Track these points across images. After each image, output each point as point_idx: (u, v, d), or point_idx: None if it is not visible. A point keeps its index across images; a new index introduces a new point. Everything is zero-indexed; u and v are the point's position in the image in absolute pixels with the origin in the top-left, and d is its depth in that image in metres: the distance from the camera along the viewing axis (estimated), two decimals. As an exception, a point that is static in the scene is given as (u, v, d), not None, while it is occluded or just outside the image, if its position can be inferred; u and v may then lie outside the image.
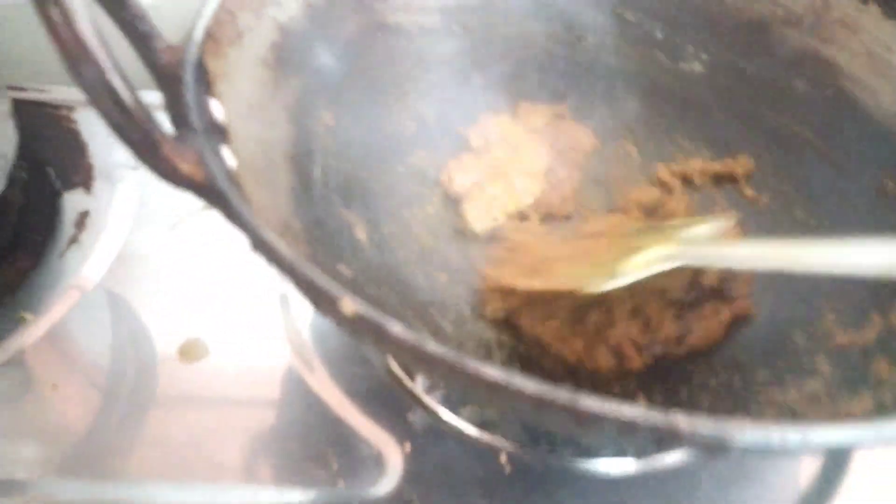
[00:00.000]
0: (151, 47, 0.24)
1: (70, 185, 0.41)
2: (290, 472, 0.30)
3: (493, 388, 0.16)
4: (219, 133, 0.24)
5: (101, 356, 0.36)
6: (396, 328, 0.17)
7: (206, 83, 0.25)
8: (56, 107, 0.45)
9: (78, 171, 0.42)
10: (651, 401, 0.26)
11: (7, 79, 0.42)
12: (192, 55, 0.25)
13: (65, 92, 0.45)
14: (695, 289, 0.29)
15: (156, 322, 0.36)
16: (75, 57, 0.16)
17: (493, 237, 0.33)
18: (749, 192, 0.36)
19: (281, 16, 0.33)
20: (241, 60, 0.29)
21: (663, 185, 0.37)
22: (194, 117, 0.22)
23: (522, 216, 0.34)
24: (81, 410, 0.34)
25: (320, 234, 0.28)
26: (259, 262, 0.19)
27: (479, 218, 0.33)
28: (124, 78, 0.18)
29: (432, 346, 0.17)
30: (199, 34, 0.26)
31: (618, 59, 0.41)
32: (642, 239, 0.28)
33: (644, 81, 0.41)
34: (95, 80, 0.17)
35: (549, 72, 0.41)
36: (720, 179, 0.37)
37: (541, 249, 0.31)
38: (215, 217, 0.20)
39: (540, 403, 0.16)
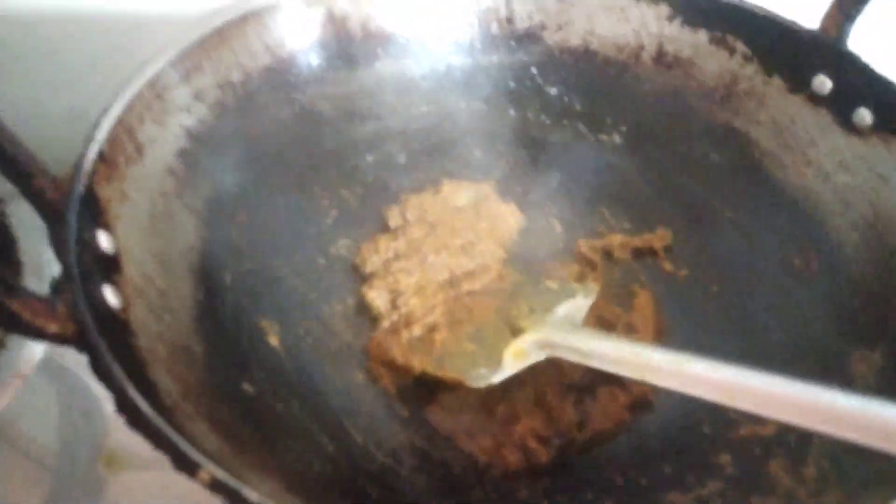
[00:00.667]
0: (36, 186, 0.24)
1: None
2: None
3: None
4: (104, 269, 0.24)
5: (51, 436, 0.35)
6: (253, 496, 0.17)
7: (95, 214, 0.25)
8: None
9: (8, 267, 0.42)
10: (556, 507, 0.26)
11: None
12: (79, 187, 0.25)
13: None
14: (590, 372, 0.29)
15: (86, 424, 0.36)
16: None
17: (392, 308, 0.33)
18: (668, 265, 0.37)
19: (188, 121, 0.33)
20: (143, 176, 0.29)
21: (585, 260, 0.37)
22: (72, 261, 0.22)
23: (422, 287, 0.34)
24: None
25: (224, 349, 0.28)
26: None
27: (381, 295, 0.33)
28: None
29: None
30: (88, 162, 0.26)
31: (540, 132, 0.42)
32: (520, 308, 0.30)
33: (566, 154, 0.41)
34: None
35: (472, 148, 0.41)
36: (640, 253, 0.38)
37: (426, 314, 0.31)
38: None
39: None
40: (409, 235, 0.37)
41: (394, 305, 0.33)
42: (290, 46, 0.38)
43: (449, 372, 0.29)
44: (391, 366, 0.31)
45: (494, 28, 0.42)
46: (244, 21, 0.35)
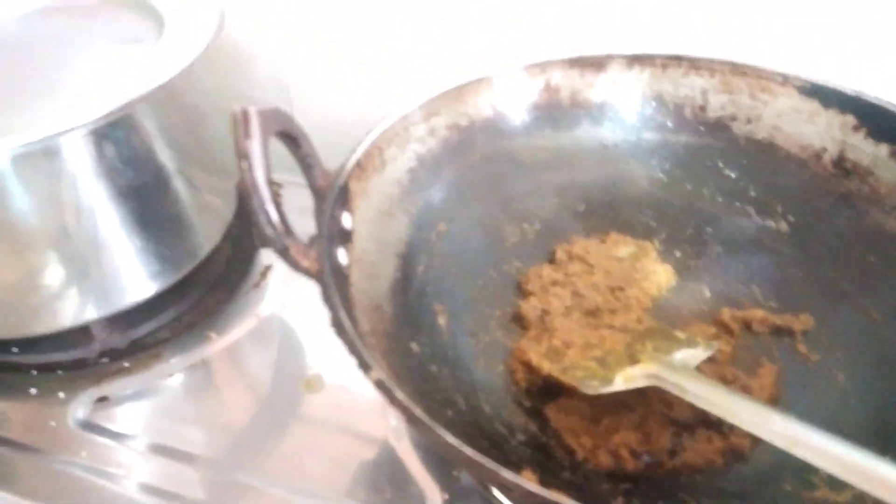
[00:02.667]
0: (312, 175, 0.35)
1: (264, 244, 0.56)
2: (359, 489, 0.39)
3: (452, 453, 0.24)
4: (342, 238, 0.35)
5: (261, 372, 0.48)
6: (399, 394, 0.26)
7: (345, 200, 0.37)
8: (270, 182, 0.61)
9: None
10: (627, 504, 0.31)
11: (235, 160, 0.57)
12: (339, 180, 0.36)
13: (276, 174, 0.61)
14: (696, 415, 0.34)
15: (298, 354, 0.48)
16: (248, 191, 0.28)
17: (540, 322, 0.40)
18: (802, 348, 0.39)
19: (421, 149, 0.44)
20: (381, 182, 0.40)
21: (722, 327, 0.41)
22: (324, 227, 0.33)
23: (569, 312, 0.41)
24: (241, 412, 0.45)
25: (406, 317, 0.37)
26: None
27: (534, 309, 0.41)
28: (276, 206, 0.29)
29: (419, 412, 0.25)
30: (349, 165, 0.38)
31: (711, 207, 0.46)
32: (645, 346, 0.35)
33: (731, 230, 0.45)
34: (258, 206, 0.28)
35: (644, 210, 0.47)
36: (778, 331, 0.41)
37: (566, 333, 0.38)
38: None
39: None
40: (570, 270, 0.44)
41: (542, 320, 0.41)
42: (509, 105, 0.47)
43: (569, 378, 0.35)
44: (527, 366, 0.38)
45: (688, 113, 0.48)
46: (479, 82, 0.46)
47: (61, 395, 0.44)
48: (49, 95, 0.42)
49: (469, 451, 0.23)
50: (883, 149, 0.41)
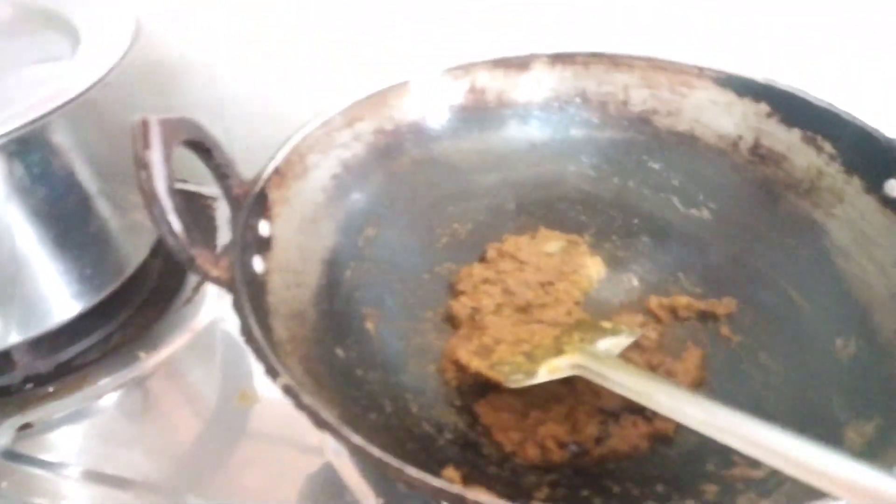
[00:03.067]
0: (227, 184, 0.35)
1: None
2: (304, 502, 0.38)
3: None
4: (259, 246, 0.34)
5: (202, 387, 0.47)
6: (306, 399, 0.25)
7: (263, 208, 0.36)
8: (204, 197, 0.60)
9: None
10: (553, 495, 0.31)
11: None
12: (256, 189, 0.36)
13: (212, 189, 0.60)
14: (622, 403, 0.34)
15: (231, 369, 0.47)
16: (149, 201, 0.27)
17: (471, 320, 0.40)
18: (725, 330, 0.40)
19: (345, 154, 0.43)
20: (304, 188, 0.40)
21: (650, 314, 0.42)
22: (237, 235, 0.32)
23: (500, 309, 0.41)
24: (178, 431, 0.44)
25: (331, 323, 0.37)
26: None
27: (464, 308, 0.41)
28: (178, 215, 0.28)
29: (326, 415, 0.25)
30: (266, 173, 0.37)
31: (637, 199, 0.47)
32: (572, 337, 0.36)
33: (658, 221, 0.46)
34: (159, 216, 0.28)
35: (574, 205, 0.48)
36: (704, 316, 0.41)
37: (497, 330, 0.38)
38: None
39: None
40: (500, 267, 0.44)
41: (473, 319, 0.41)
42: (434, 107, 0.47)
43: (495, 374, 0.35)
44: (457, 365, 0.38)
45: (611, 109, 0.48)
46: (403, 86, 0.46)
47: (-15, 423, 0.43)
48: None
49: (375, 451, 0.23)
50: (795, 133, 0.42)
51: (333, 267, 0.40)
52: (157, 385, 0.47)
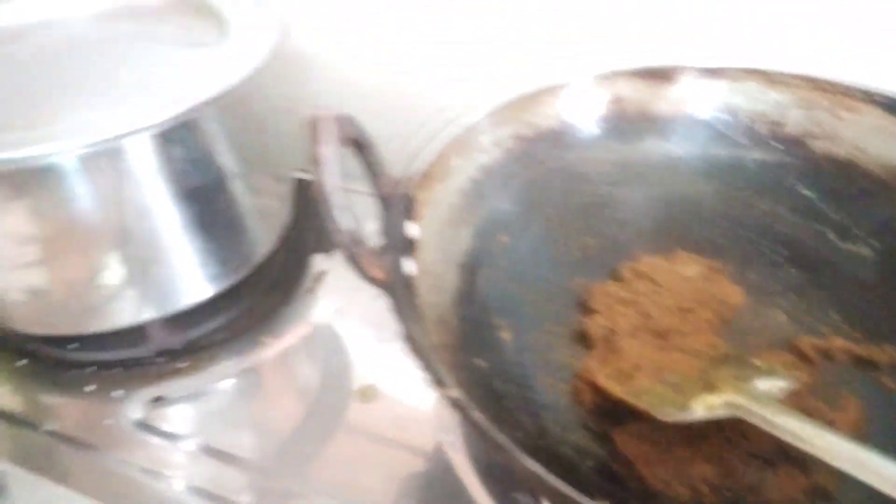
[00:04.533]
0: (377, 182, 0.34)
1: (317, 249, 0.55)
2: (409, 502, 0.38)
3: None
4: (408, 247, 0.34)
5: (314, 378, 0.47)
6: (477, 415, 0.24)
7: (409, 209, 0.36)
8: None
9: (326, 238, 0.56)
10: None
11: (292, 164, 0.57)
12: (403, 189, 0.35)
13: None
14: (777, 450, 0.32)
15: (352, 363, 0.47)
16: (320, 196, 0.27)
17: (605, 342, 0.38)
18: (888, 381, 0.37)
19: (484, 159, 0.42)
20: (445, 191, 0.40)
21: (801, 355, 0.39)
22: (390, 236, 0.32)
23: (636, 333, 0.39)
24: (291, 419, 0.44)
25: (470, 331, 0.36)
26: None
27: (600, 329, 0.39)
28: (349, 213, 0.28)
29: (500, 437, 0.24)
30: (415, 173, 0.37)
31: (786, 228, 0.44)
32: (721, 372, 0.33)
33: (809, 253, 0.43)
34: (329, 211, 0.27)
35: (715, 228, 0.45)
36: (861, 363, 0.38)
37: (634, 355, 0.36)
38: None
39: None
40: (636, 288, 0.42)
41: (608, 340, 0.39)
42: (575, 116, 0.46)
43: (643, 403, 0.33)
44: (593, 387, 0.36)
45: (762, 128, 0.46)
46: (545, 92, 0.45)
47: (117, 393, 0.44)
48: (115, 96, 0.42)
49: (555, 482, 0.22)
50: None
51: (470, 272, 0.39)
52: (274, 372, 0.47)
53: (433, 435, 0.41)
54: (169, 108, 0.39)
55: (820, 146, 0.44)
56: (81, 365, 0.46)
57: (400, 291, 0.29)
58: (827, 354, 0.39)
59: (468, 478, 0.39)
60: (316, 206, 0.57)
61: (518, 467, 0.23)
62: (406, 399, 0.44)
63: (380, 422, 0.43)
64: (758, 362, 0.36)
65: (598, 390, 0.36)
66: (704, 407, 0.32)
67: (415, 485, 0.40)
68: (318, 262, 0.54)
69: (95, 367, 0.46)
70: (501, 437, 0.23)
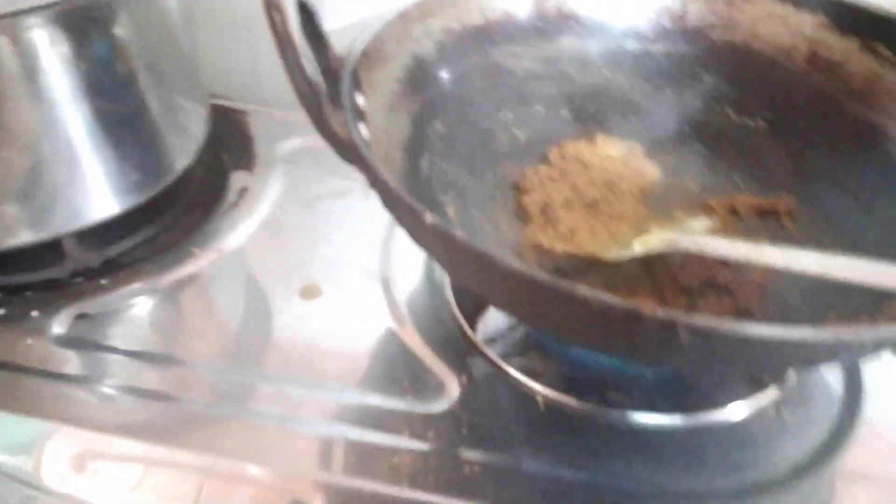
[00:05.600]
0: (325, 56, 0.34)
1: (237, 167, 0.54)
2: (374, 385, 0.39)
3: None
4: (360, 115, 0.34)
5: (253, 283, 0.46)
6: (459, 233, 0.25)
7: (356, 85, 0.36)
8: (236, 111, 0.59)
9: (244, 157, 0.55)
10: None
11: (210, 88, 0.55)
12: (350, 64, 0.36)
13: (242, 103, 0.59)
14: (706, 282, 0.36)
15: (289, 267, 0.46)
16: (284, 44, 0.27)
17: (542, 214, 0.41)
18: (788, 223, 0.42)
19: (417, 48, 0.43)
20: (383, 76, 0.40)
21: (712, 212, 0.43)
22: (346, 100, 0.32)
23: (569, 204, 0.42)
24: (236, 320, 0.43)
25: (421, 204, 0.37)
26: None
27: (534, 203, 0.41)
28: (310, 63, 0.28)
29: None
30: (356, 53, 0.37)
31: (691, 111, 0.48)
32: (650, 224, 0.36)
33: (712, 130, 0.47)
34: (293, 61, 0.27)
35: (629, 115, 0.49)
36: (764, 213, 0.43)
37: (570, 222, 0.39)
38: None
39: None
40: (564, 168, 0.45)
41: (544, 212, 0.41)
42: (497, 14, 0.47)
43: (587, 248, 0.36)
44: (537, 250, 0.39)
45: (667, 22, 0.49)
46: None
47: (35, 314, 0.41)
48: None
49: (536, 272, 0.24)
50: (852, 42, 0.43)
51: (412, 155, 0.40)
52: (209, 282, 0.46)
53: (382, 321, 0.42)
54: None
55: (719, 35, 0.48)
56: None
57: (360, 142, 0.30)
58: (734, 210, 0.43)
59: (422, 350, 0.40)
60: (233, 129, 0.57)
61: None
62: (349, 293, 0.44)
63: (327, 315, 0.43)
64: (679, 214, 0.40)
65: (541, 255, 0.39)
66: (642, 245, 0.35)
67: (373, 364, 0.40)
68: (240, 178, 0.53)
69: (5, 291, 0.42)
70: (483, 250, 0.25)
